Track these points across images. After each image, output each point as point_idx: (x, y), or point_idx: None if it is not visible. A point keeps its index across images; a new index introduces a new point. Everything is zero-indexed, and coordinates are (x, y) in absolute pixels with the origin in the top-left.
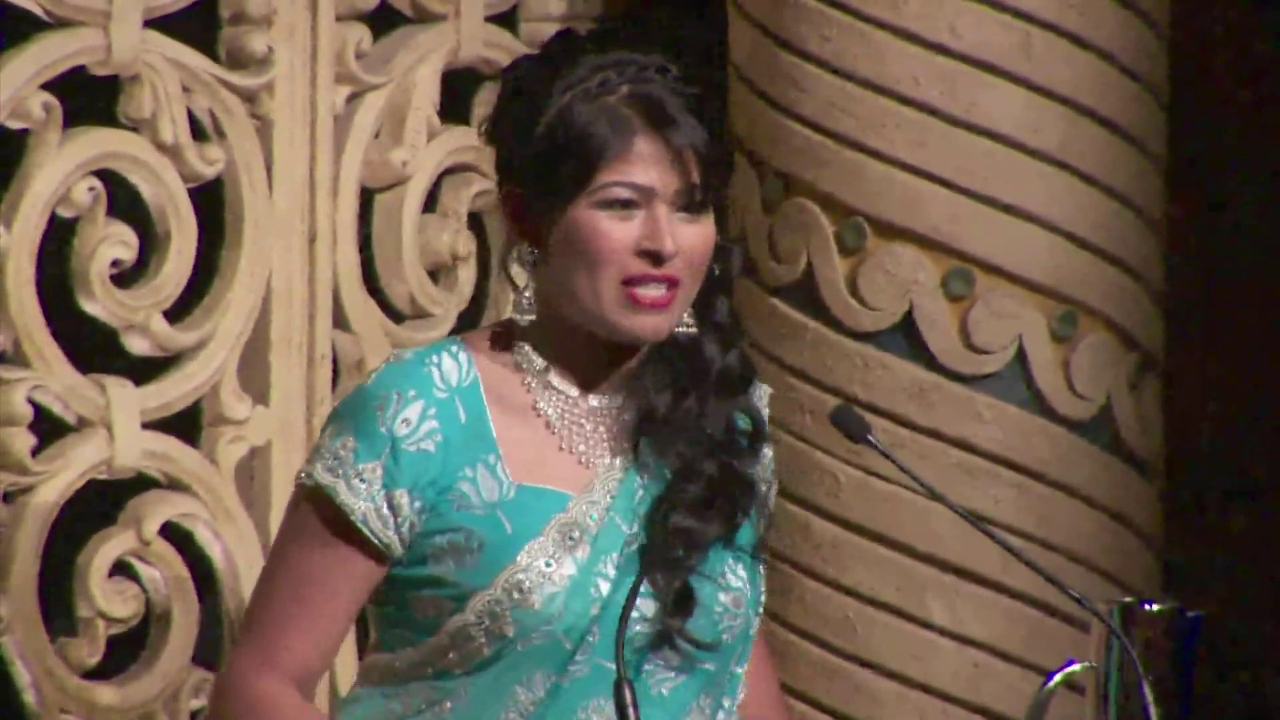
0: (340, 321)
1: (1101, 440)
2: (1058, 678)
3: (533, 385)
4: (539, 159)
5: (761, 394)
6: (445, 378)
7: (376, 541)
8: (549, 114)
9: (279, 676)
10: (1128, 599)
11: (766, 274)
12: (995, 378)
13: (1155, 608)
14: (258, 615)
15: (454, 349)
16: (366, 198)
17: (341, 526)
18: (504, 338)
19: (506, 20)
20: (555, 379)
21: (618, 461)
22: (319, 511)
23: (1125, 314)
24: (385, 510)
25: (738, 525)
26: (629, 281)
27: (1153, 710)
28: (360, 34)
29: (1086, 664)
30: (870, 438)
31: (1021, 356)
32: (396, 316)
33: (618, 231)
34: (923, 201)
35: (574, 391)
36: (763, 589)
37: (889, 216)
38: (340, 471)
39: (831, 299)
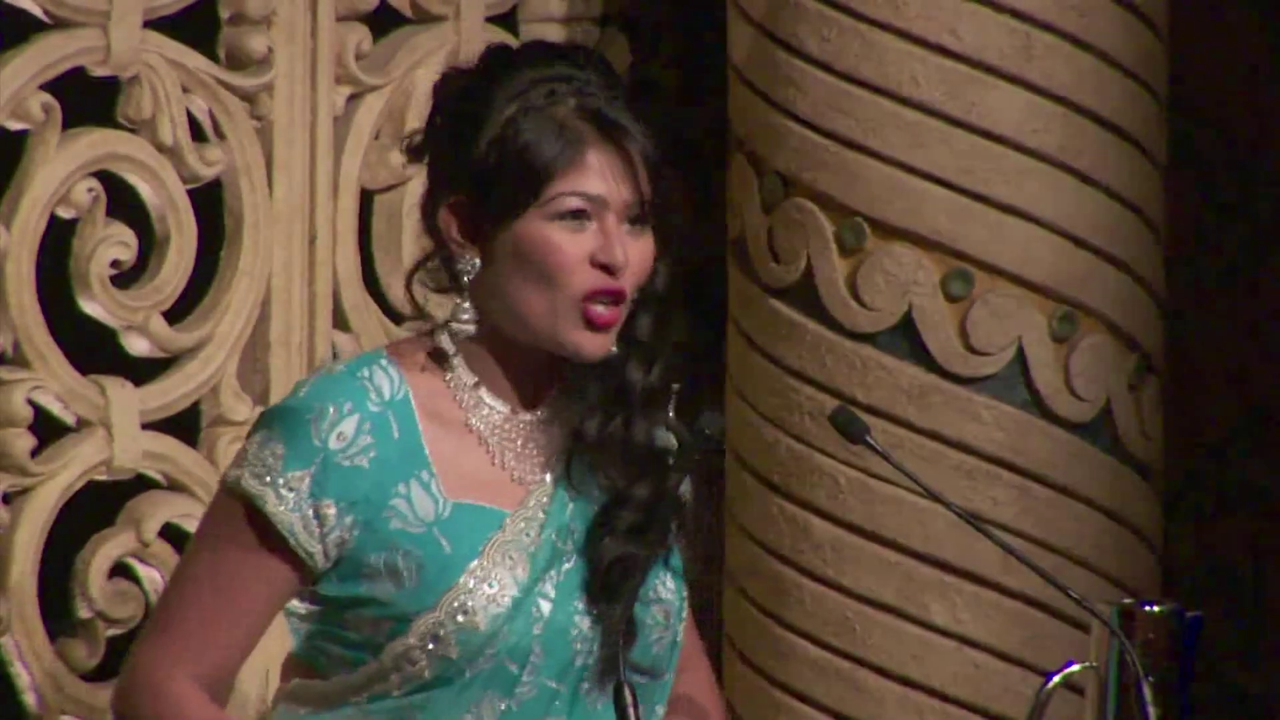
0: (340, 322)
1: (1101, 441)
2: (1057, 678)
3: (464, 401)
4: (486, 170)
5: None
6: (379, 390)
7: (301, 551)
8: (494, 125)
9: (193, 679)
10: (1127, 600)
11: (766, 274)
12: (995, 379)
13: (1154, 608)
14: (175, 611)
15: (383, 362)
16: (366, 198)
17: (266, 534)
18: (431, 351)
19: (506, 21)
20: (486, 395)
21: (548, 477)
22: (244, 517)
23: (1125, 315)
24: (312, 520)
25: (671, 545)
26: (587, 298)
27: (1152, 711)
28: (360, 35)
29: (1086, 664)
30: (869, 439)
31: (1021, 357)
32: (396, 317)
33: (570, 244)
34: (922, 202)
35: (505, 407)
36: (685, 593)
37: (888, 217)
38: (268, 479)
39: (831, 300)
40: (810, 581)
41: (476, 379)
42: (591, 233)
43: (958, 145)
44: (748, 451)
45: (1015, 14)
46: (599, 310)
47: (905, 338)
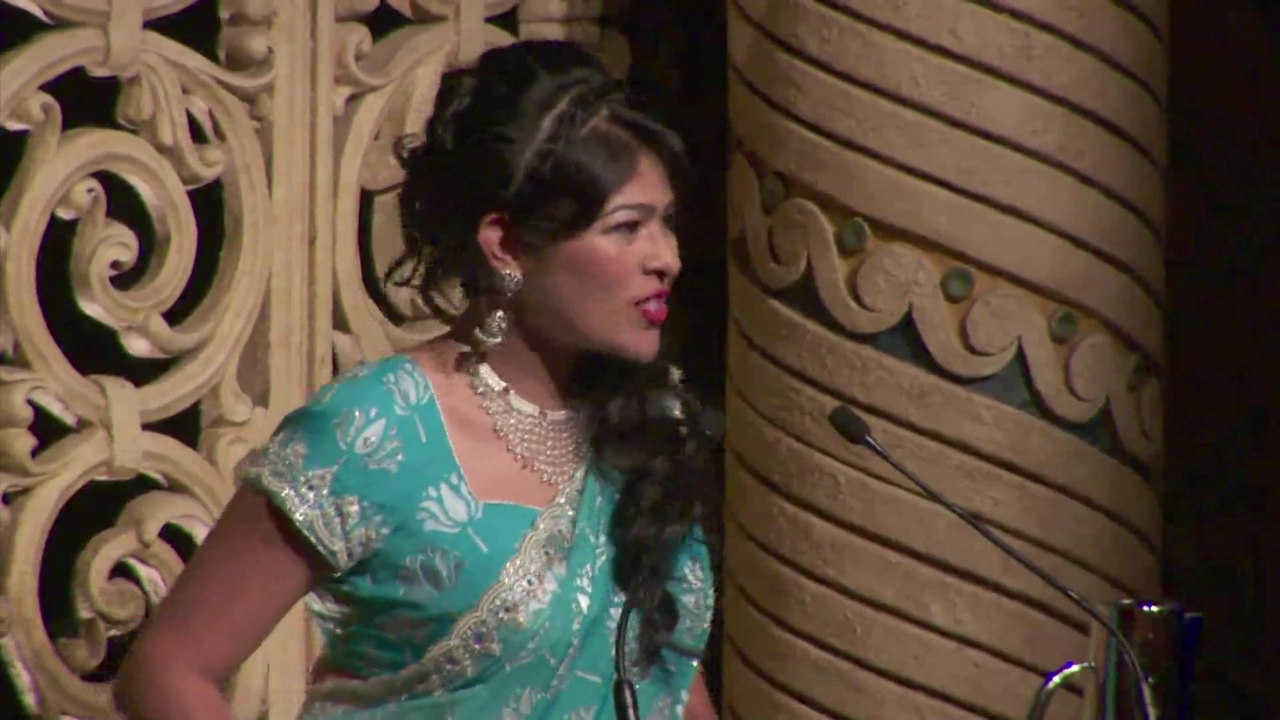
0: (340, 323)
1: (1101, 442)
2: (1057, 679)
3: (491, 407)
4: (534, 190)
5: (673, 376)
6: (404, 395)
7: (322, 549)
8: (531, 142)
9: (198, 670)
10: (1127, 600)
11: (766, 275)
12: (995, 379)
13: (1154, 609)
14: (187, 601)
15: (408, 367)
16: (366, 199)
17: (285, 532)
18: (454, 356)
19: (506, 21)
20: (515, 399)
21: (577, 474)
22: (262, 513)
23: (1125, 315)
24: (333, 516)
25: (696, 518)
26: (639, 302)
27: (1151, 711)
28: (360, 35)
29: (1086, 665)
30: (869, 439)
31: (1021, 358)
32: (396, 318)
33: (624, 254)
34: (922, 202)
35: (534, 410)
36: (714, 584)
37: (888, 217)
38: (289, 477)
39: (831, 300)
40: (810, 581)
41: (505, 384)
42: (641, 239)
43: (958, 145)
44: (748, 451)
45: (1015, 14)
46: (653, 308)
47: (905, 338)
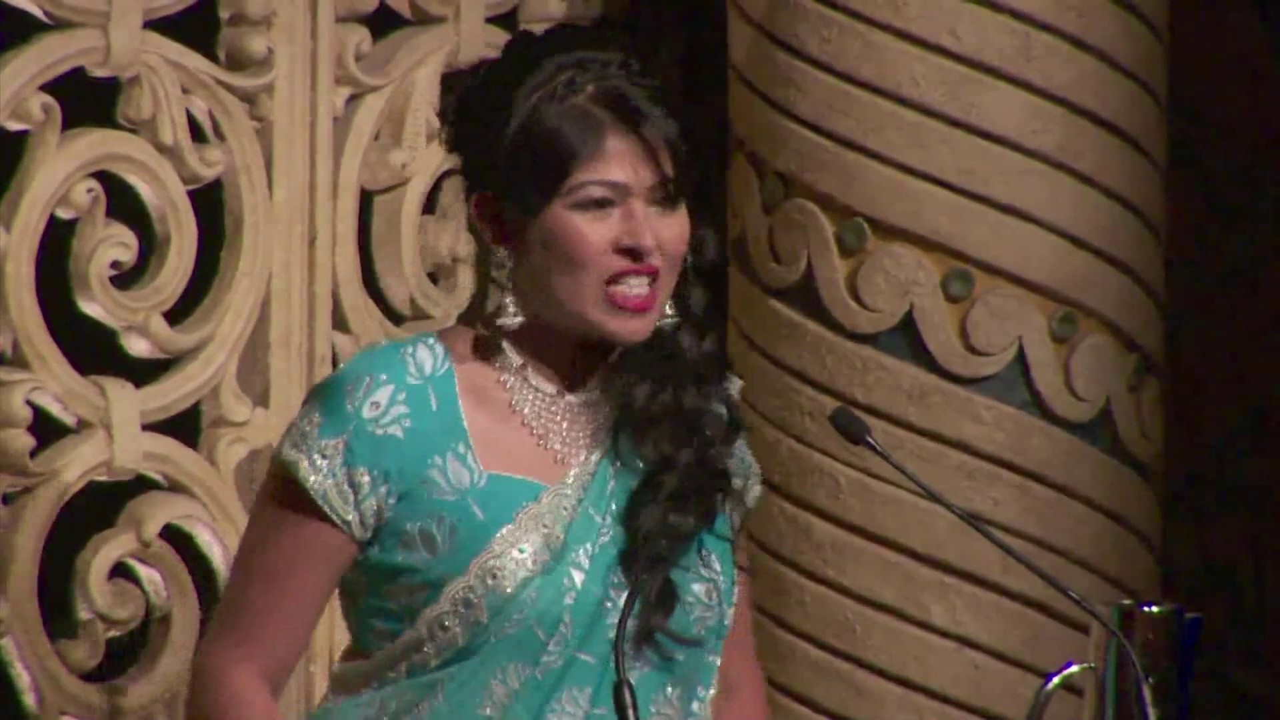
0: (340, 323)
1: (1101, 442)
2: (1057, 679)
3: (510, 383)
4: (510, 163)
5: (734, 386)
6: (420, 366)
7: (336, 518)
8: (517, 118)
9: (254, 670)
10: (1127, 601)
11: (766, 275)
12: (995, 379)
13: (1154, 609)
14: (233, 600)
15: (430, 341)
16: (366, 199)
17: (305, 504)
18: (480, 335)
19: (507, 22)
20: (533, 376)
21: (594, 456)
22: (285, 489)
23: (1125, 315)
24: (346, 487)
25: (714, 517)
26: (610, 281)
27: (1151, 712)
28: (360, 36)
29: (1086, 665)
30: (869, 439)
31: (1021, 358)
32: (396, 318)
33: (595, 232)
34: (923, 202)
35: (552, 389)
36: (735, 580)
37: (889, 218)
38: (304, 447)
39: (831, 300)
40: (810, 582)
41: (523, 361)
42: (616, 218)
43: (958, 146)
44: None
45: (1015, 14)
46: (625, 292)
47: (905, 338)
